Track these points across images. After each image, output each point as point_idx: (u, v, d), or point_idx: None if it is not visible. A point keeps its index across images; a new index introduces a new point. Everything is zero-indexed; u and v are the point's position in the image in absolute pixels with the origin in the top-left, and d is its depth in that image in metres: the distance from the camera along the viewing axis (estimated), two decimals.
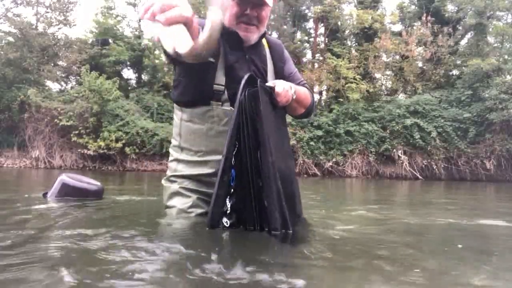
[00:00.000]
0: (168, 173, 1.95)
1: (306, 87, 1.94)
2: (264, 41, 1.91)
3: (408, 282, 1.04)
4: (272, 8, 1.79)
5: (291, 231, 1.57)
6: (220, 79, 1.73)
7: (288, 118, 2.16)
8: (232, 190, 1.59)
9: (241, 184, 1.59)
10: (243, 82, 1.59)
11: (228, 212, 1.59)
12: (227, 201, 1.59)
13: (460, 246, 1.57)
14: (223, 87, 1.73)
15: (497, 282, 1.08)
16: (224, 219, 1.58)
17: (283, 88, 1.67)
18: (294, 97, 1.75)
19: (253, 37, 1.77)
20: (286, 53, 2.00)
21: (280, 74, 1.90)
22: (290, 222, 1.58)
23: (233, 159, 1.58)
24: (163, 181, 1.98)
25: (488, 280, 1.08)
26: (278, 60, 1.92)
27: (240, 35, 1.74)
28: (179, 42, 1.25)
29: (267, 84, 1.70)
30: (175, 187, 1.85)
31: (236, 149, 1.58)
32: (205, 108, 1.74)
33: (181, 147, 1.85)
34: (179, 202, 1.85)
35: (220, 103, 1.74)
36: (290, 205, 1.66)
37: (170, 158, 1.94)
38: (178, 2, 1.24)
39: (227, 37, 1.75)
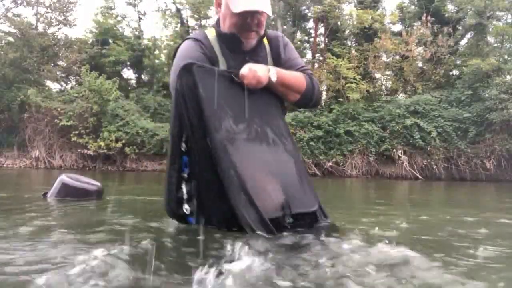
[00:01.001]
0: None
1: (306, 73, 1.88)
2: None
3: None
4: (272, 8, 1.79)
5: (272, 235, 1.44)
6: None
7: (288, 118, 2.12)
8: (187, 176, 1.58)
9: (195, 171, 1.58)
10: (178, 71, 1.57)
11: (186, 198, 1.58)
12: (183, 187, 1.58)
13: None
14: None
15: None
16: (185, 206, 1.58)
17: (248, 70, 1.64)
18: (274, 79, 1.70)
19: (254, 42, 1.79)
20: (285, 40, 1.97)
21: (280, 66, 1.87)
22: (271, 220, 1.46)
23: (183, 145, 1.57)
24: None
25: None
26: (275, 54, 1.91)
27: (242, 40, 1.76)
28: None
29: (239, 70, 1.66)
30: None
31: (185, 137, 1.57)
32: None
33: None
34: None
35: None
36: (289, 197, 1.58)
37: None
38: None
39: (227, 41, 1.76)
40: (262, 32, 1.81)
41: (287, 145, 1.74)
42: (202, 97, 1.53)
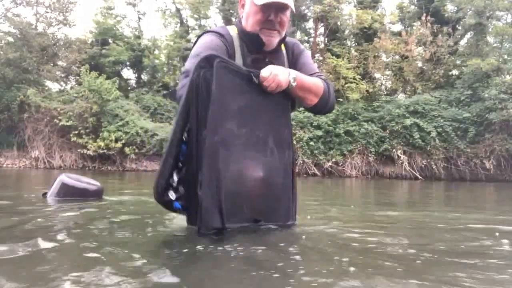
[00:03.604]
0: None
1: (321, 78, 1.89)
2: None
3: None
4: None
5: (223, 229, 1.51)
6: None
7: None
8: (180, 164, 1.59)
9: (189, 161, 1.58)
10: (197, 61, 1.56)
11: (174, 185, 1.58)
12: (174, 175, 1.58)
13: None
14: None
15: None
16: (171, 193, 1.58)
17: (270, 73, 1.64)
18: (294, 83, 1.71)
19: (275, 41, 1.80)
20: (300, 47, 2.00)
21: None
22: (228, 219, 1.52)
23: (185, 134, 1.57)
24: None
25: None
26: (292, 59, 1.92)
27: (263, 40, 1.76)
28: None
29: (255, 70, 1.67)
30: None
31: (188, 127, 1.57)
32: None
33: None
34: None
35: None
36: (262, 204, 1.65)
37: None
38: None
39: (248, 40, 1.76)
40: (283, 33, 1.82)
41: (283, 157, 1.77)
42: (213, 92, 1.53)
